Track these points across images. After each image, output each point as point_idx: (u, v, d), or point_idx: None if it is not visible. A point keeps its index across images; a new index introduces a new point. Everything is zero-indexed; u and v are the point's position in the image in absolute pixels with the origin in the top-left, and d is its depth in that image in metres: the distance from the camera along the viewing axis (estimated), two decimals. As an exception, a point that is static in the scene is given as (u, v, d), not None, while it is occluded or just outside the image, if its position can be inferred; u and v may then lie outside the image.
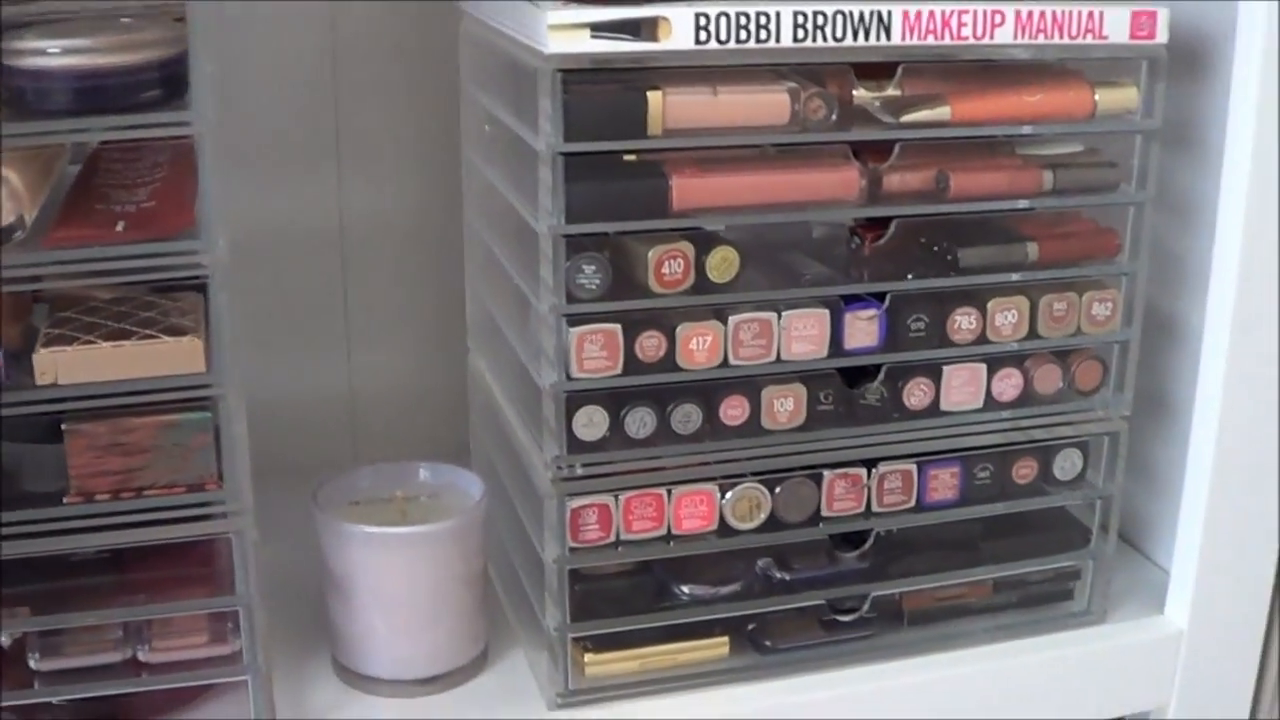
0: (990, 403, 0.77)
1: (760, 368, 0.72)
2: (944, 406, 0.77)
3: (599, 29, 0.65)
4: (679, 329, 0.71)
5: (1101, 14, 0.73)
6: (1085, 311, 0.77)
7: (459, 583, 0.75)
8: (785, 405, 0.74)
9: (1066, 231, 0.78)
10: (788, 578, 0.77)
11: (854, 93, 0.72)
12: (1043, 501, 0.80)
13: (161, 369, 0.63)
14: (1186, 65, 0.79)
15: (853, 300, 0.74)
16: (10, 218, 0.61)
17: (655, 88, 0.67)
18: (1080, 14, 0.72)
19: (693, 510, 0.74)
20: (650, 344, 0.71)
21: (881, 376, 0.75)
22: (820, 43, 0.69)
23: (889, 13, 0.69)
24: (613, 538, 0.73)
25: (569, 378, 0.70)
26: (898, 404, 0.76)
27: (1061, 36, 0.73)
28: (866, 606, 0.78)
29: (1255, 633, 0.85)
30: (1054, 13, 0.72)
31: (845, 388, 0.75)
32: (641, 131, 0.68)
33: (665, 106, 0.67)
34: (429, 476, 0.79)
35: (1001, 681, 0.81)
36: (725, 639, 0.77)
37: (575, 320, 0.69)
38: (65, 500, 0.64)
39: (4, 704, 0.66)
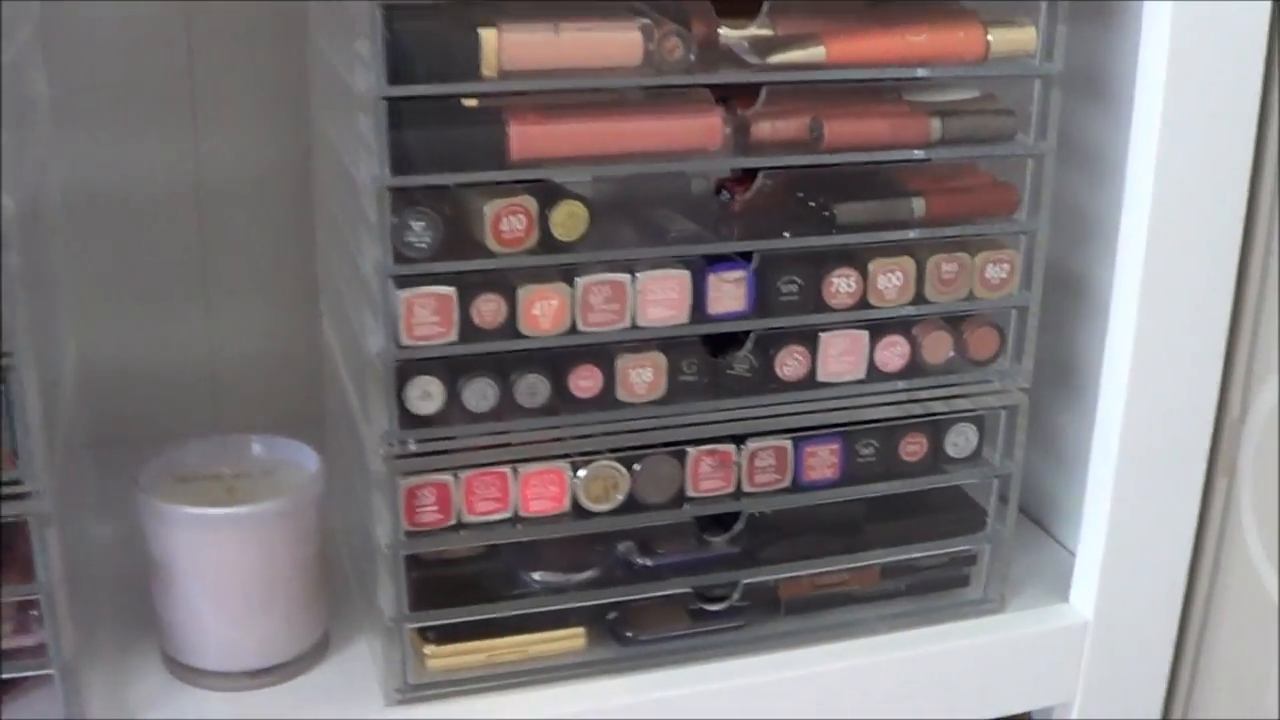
0: (874, 373, 0.72)
1: (613, 335, 0.67)
2: (821, 377, 0.71)
3: (423, -43, 0.59)
4: (520, 292, 0.65)
5: (994, -55, 0.67)
6: (978, 274, 0.71)
7: (292, 567, 0.70)
8: (643, 376, 0.68)
9: (959, 186, 0.72)
10: (650, 563, 0.72)
11: (719, 31, 0.66)
12: (933, 481, 0.75)
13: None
14: (1094, 8, 0.73)
15: (718, 260, 0.68)
16: None
17: (490, 24, 0.61)
18: (970, -56, 0.66)
19: (541, 490, 0.68)
20: (489, 308, 0.65)
21: (750, 344, 0.70)
22: (676, -26, 0.63)
23: (752, -59, 0.63)
24: (453, 520, 0.68)
25: (399, 345, 0.64)
26: (769, 374, 0.70)
27: (949, -31, 0.67)
28: (737, 595, 0.73)
29: (1168, 621, 0.80)
30: (940, -57, 0.66)
31: (710, 357, 0.69)
32: (475, 74, 0.62)
33: (501, 45, 0.62)
34: (263, 451, 0.73)
35: (889, 675, 0.75)
36: (582, 630, 0.72)
37: (404, 282, 0.63)
38: None
39: None
